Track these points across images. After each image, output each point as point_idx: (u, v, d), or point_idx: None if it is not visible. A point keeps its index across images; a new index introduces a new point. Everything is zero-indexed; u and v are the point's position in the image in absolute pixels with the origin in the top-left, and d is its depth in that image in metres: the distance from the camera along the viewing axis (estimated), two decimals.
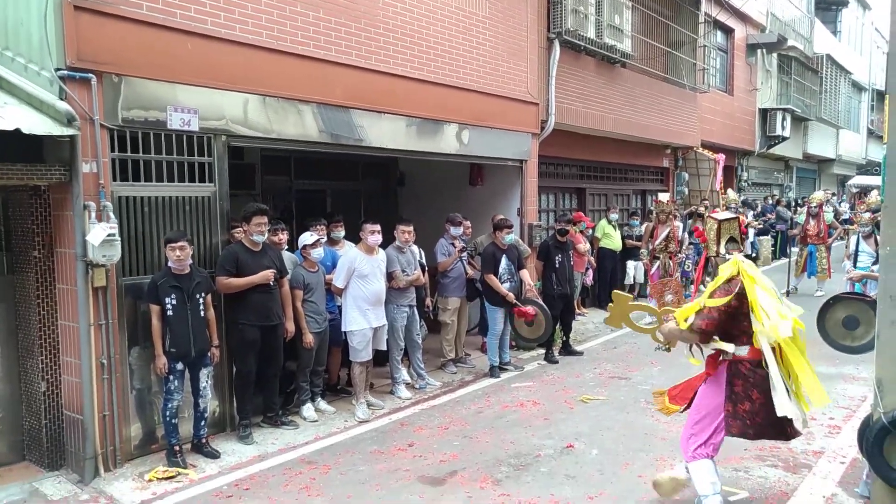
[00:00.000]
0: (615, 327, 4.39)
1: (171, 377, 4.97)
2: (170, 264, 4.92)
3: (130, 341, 5.02)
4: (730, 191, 13.46)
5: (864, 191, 20.85)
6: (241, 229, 5.60)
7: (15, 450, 5.06)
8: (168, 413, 4.99)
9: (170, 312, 4.92)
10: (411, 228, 6.74)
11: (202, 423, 5.23)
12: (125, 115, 4.81)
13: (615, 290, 4.62)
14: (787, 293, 11.83)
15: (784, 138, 18.26)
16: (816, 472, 4.71)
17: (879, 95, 30.00)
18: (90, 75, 4.56)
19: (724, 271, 3.86)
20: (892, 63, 3.86)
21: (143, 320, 5.02)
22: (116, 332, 4.86)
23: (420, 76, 7.25)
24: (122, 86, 4.78)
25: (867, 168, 28.81)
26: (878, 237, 8.47)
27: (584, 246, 10.07)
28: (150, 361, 5.05)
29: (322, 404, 6.29)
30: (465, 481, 4.70)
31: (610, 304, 4.42)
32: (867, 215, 9.51)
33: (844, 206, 19.75)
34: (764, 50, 17.84)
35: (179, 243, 4.89)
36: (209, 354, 5.20)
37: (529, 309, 7.27)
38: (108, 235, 4.50)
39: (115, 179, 4.80)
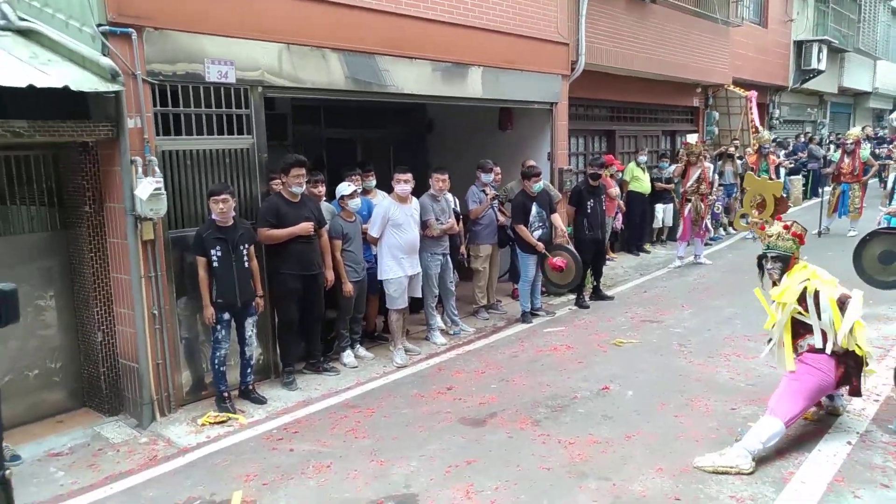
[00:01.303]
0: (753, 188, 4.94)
1: (219, 326, 5.14)
2: (213, 216, 5.03)
3: (178, 292, 5.19)
4: (764, 131, 13.14)
5: None
6: (279, 181, 5.67)
7: (75, 396, 5.32)
8: (217, 361, 5.19)
9: (215, 264, 5.05)
10: (446, 177, 6.76)
11: (248, 370, 5.43)
12: (165, 68, 4.85)
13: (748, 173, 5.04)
14: (819, 234, 11.72)
15: (819, 72, 17.71)
16: (850, 409, 4.78)
17: None
18: (130, 30, 4.58)
19: (796, 275, 4.39)
20: None
21: (189, 272, 5.18)
22: (165, 283, 5.02)
23: (448, 19, 7.13)
24: (161, 39, 4.80)
25: None
26: None
27: (615, 190, 10.03)
28: (198, 312, 5.22)
29: (361, 351, 6.48)
30: (505, 422, 4.86)
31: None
32: None
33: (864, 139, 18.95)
34: None
35: (222, 196, 4.98)
36: (254, 304, 5.35)
37: (559, 261, 7.33)
38: (155, 189, 4.61)
39: (158, 134, 4.88)
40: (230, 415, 5.11)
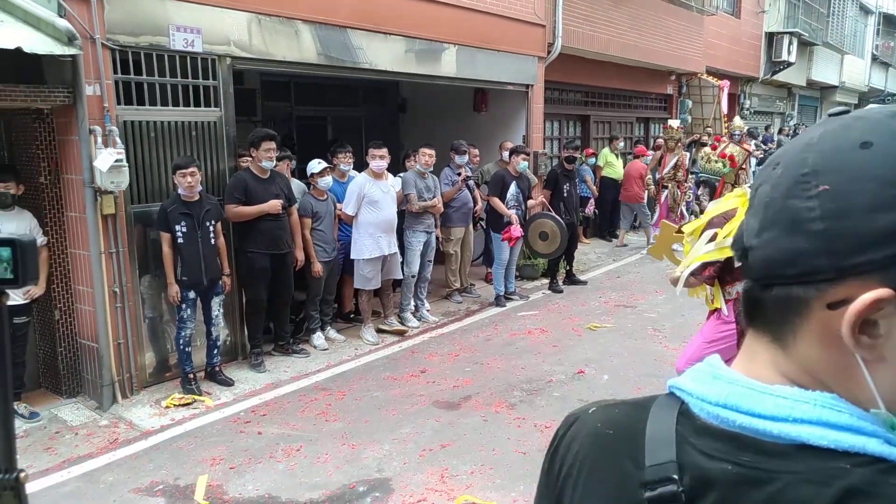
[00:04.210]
0: (657, 259, 4.38)
1: (184, 305, 4.94)
2: (180, 191, 4.81)
3: (141, 270, 4.98)
4: (737, 118, 13.19)
5: None
6: (248, 158, 5.46)
7: (30, 377, 5.07)
8: (181, 341, 4.99)
9: (180, 240, 4.85)
10: (433, 152, 6.63)
11: (215, 351, 5.25)
12: (126, 33, 4.61)
13: (663, 220, 4.52)
14: None
15: (789, 64, 17.88)
16: None
17: (887, 19, 29.32)
18: None
19: (729, 202, 3.81)
20: None
21: (152, 249, 4.97)
22: (127, 260, 4.80)
23: None
24: (123, 2, 4.55)
25: (882, 97, 28.38)
26: None
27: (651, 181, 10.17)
28: (162, 290, 5.02)
29: (332, 333, 6.32)
30: (480, 405, 4.77)
31: (655, 234, 4.36)
32: None
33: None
34: None
35: (190, 169, 4.77)
36: (220, 283, 5.16)
37: (514, 231, 7.10)
38: (116, 161, 4.38)
39: (119, 103, 4.64)
40: (196, 397, 4.93)
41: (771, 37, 17.53)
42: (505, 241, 7.28)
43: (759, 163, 15.96)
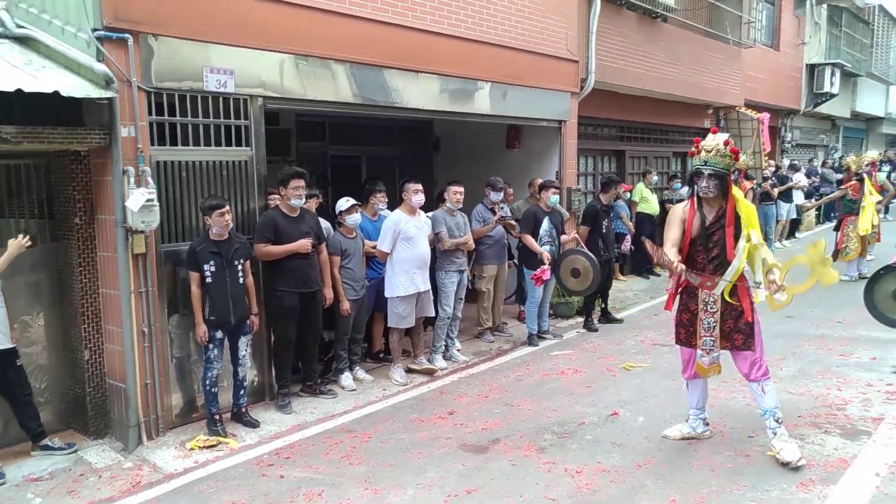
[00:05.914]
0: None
1: (211, 345, 4.93)
2: (214, 230, 4.84)
3: (170, 309, 5.00)
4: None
5: None
6: (277, 197, 5.49)
7: (60, 417, 5.08)
8: (208, 382, 4.97)
9: (209, 279, 4.86)
10: (462, 189, 6.61)
11: (241, 391, 5.21)
12: (161, 76, 4.70)
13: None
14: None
15: (832, 95, 17.53)
16: (877, 438, 4.51)
17: None
18: (127, 35, 4.44)
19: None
20: None
21: (181, 288, 4.99)
22: (156, 300, 4.82)
23: (457, 33, 7.00)
24: (159, 46, 4.66)
25: None
26: None
27: None
28: (190, 330, 5.02)
29: (360, 373, 6.24)
30: (509, 449, 4.62)
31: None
32: None
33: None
34: (813, 1, 17.04)
35: (226, 208, 4.82)
36: (248, 322, 5.15)
37: (542, 273, 6.96)
38: (147, 201, 4.43)
39: (152, 143, 4.72)
40: (221, 439, 4.88)
41: (812, 68, 17.24)
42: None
43: (807, 195, 15.50)
